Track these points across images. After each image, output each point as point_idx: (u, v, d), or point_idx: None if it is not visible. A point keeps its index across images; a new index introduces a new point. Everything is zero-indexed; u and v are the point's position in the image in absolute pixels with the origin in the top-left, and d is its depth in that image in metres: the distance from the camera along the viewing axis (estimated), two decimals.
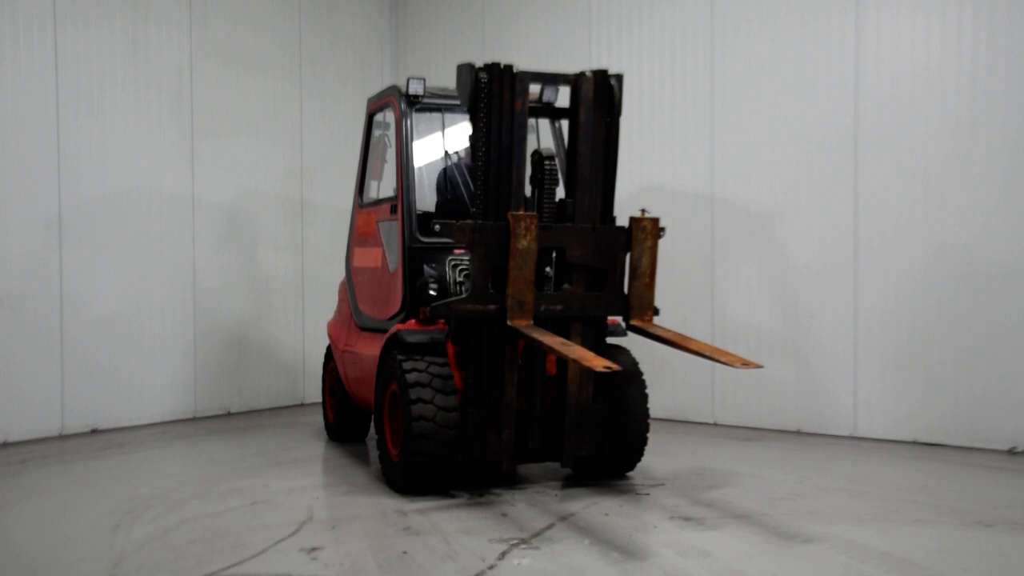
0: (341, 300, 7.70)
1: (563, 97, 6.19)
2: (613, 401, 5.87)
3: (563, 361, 5.53)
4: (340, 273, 10.19)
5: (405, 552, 4.61)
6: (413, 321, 5.89)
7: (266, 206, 9.65)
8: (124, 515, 5.34)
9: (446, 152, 6.61)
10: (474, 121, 5.43)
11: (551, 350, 4.98)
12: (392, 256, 6.35)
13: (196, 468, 6.76)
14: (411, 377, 5.48)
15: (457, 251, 6.13)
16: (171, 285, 8.81)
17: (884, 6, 7.39)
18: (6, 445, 7.54)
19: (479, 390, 5.51)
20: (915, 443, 7.21)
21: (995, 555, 4.52)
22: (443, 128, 6.58)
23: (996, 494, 5.67)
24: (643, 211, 5.64)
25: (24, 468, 6.72)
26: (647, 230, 5.59)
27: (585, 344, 5.56)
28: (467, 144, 6.47)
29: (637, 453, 6.04)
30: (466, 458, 5.56)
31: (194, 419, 8.89)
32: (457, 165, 6.63)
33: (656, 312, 5.71)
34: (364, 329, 6.95)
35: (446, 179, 6.64)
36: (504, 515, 5.28)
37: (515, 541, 4.76)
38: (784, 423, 7.95)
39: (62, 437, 7.91)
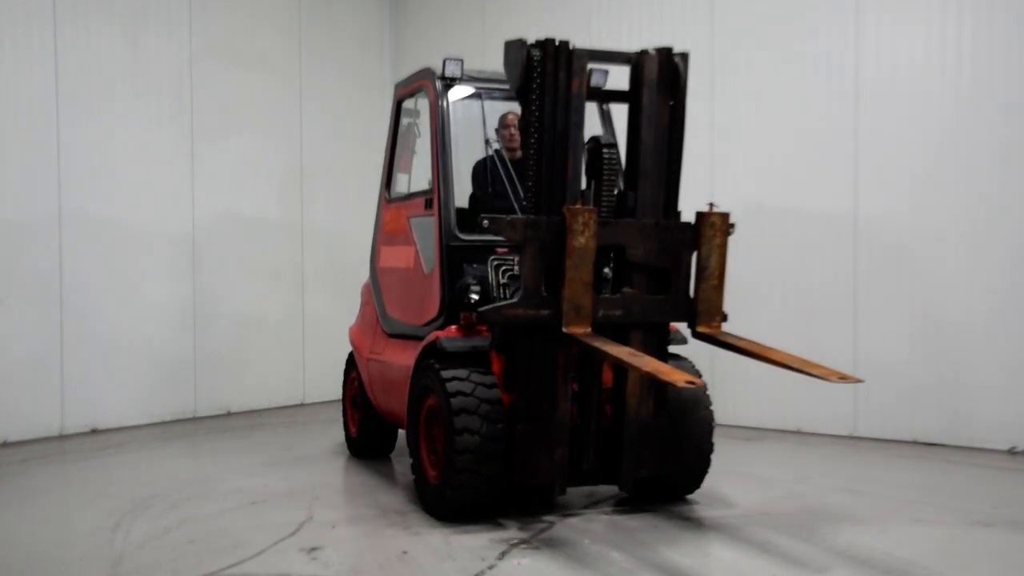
0: (365, 303, 7.10)
1: (612, 81, 5.85)
2: (675, 416, 5.29)
3: (621, 372, 5.03)
4: (341, 271, 10.19)
5: (405, 552, 4.61)
6: (453, 328, 5.34)
7: (266, 204, 9.64)
8: (124, 515, 5.34)
9: (486, 141, 6.10)
10: (525, 104, 4.88)
11: (619, 362, 4.47)
12: (427, 256, 5.79)
13: (196, 468, 6.76)
14: (453, 389, 4.93)
15: (499, 250, 5.59)
16: (171, 284, 8.80)
17: (884, 7, 7.40)
18: (6, 445, 7.54)
19: (529, 405, 4.93)
20: (915, 443, 7.21)
21: (995, 555, 4.52)
22: (483, 114, 6.06)
23: (996, 494, 5.67)
24: (711, 205, 5.11)
25: (24, 468, 6.72)
26: (716, 226, 5.03)
27: (647, 353, 4.88)
28: (505, 132, 6.17)
29: (700, 473, 5.48)
30: (514, 481, 4.97)
31: (194, 419, 8.89)
32: (499, 155, 6.14)
33: (724, 318, 5.13)
34: (393, 336, 6.39)
35: (486, 171, 6.14)
36: (504, 515, 5.27)
37: (515, 541, 4.75)
38: (784, 423, 7.95)
39: (62, 437, 7.91)
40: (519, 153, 6.04)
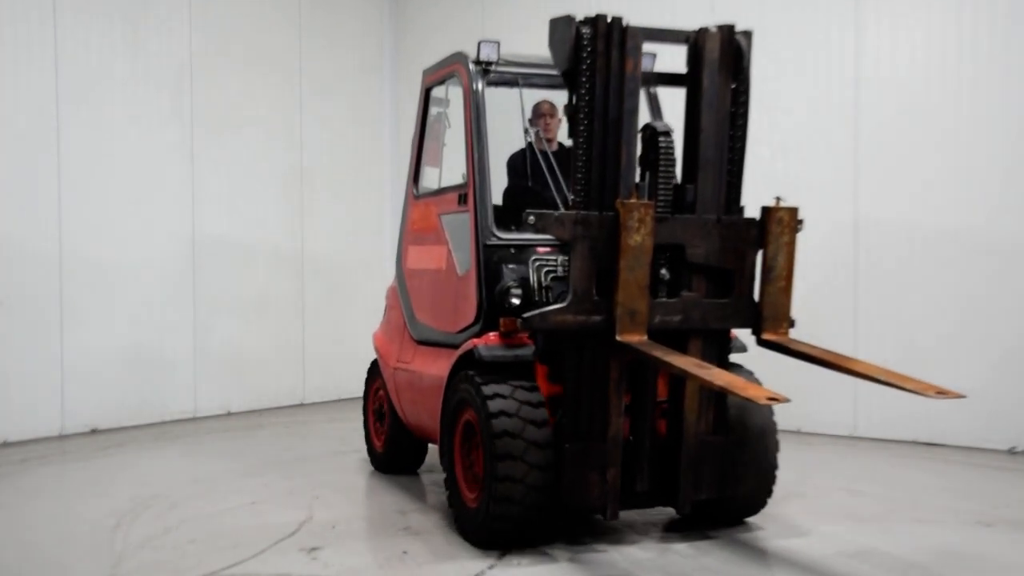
0: (390, 307, 6.55)
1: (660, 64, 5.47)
2: (736, 432, 4.81)
3: (677, 384, 4.61)
4: (342, 269, 10.20)
5: (405, 552, 4.61)
6: (492, 335, 4.85)
7: (267, 202, 9.63)
8: (124, 515, 5.34)
9: (525, 130, 5.66)
10: (573, 88, 4.46)
11: (685, 374, 4.05)
12: (462, 256, 5.32)
13: (196, 468, 6.76)
14: (494, 404, 4.46)
15: (541, 249, 5.11)
16: (171, 284, 8.80)
17: (883, 8, 7.40)
18: (6, 445, 7.53)
19: (578, 420, 4.48)
20: (915, 443, 7.21)
21: (995, 555, 4.52)
22: (521, 102, 5.65)
23: (996, 494, 5.67)
24: (777, 199, 4.64)
25: (24, 468, 6.72)
26: (784, 222, 4.58)
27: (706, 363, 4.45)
28: (540, 121, 5.75)
29: (764, 495, 5.00)
30: (562, 505, 4.53)
31: (194, 419, 8.89)
32: (534, 147, 5.70)
33: (792, 323, 4.68)
34: (422, 343, 5.92)
35: (524, 163, 5.72)
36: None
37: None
38: (784, 423, 7.90)
39: (62, 437, 7.91)
40: (555, 145, 5.80)
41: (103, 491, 5.97)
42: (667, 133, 4.59)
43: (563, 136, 5.62)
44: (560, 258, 4.98)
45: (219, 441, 7.85)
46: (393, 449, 6.43)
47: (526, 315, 4.36)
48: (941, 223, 7.11)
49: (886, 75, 7.38)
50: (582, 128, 4.42)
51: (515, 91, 5.67)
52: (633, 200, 4.34)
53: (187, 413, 8.92)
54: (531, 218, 4.30)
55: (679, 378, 4.50)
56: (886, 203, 7.38)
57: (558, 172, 5.42)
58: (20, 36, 7.76)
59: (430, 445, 6.19)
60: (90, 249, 8.16)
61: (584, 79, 4.40)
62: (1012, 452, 6.79)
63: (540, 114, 5.80)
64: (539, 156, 5.52)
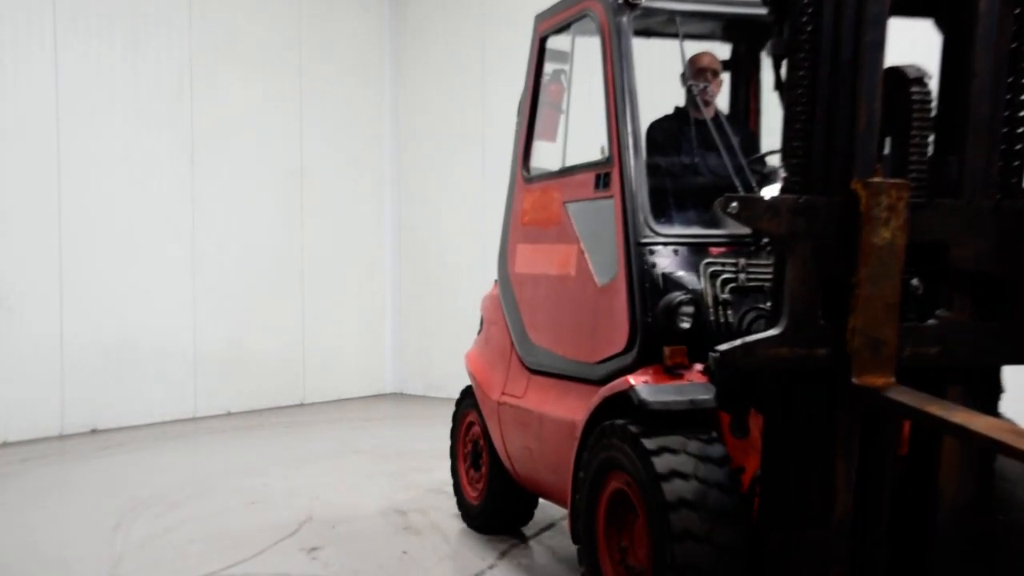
0: (490, 322, 5.10)
1: None
2: (1002, 510, 3.32)
3: (927, 441, 3.15)
4: (341, 268, 10.19)
5: (405, 552, 4.62)
6: (653, 370, 3.57)
7: (266, 203, 9.63)
8: (124, 515, 5.34)
9: (689, 89, 4.27)
10: (785, 21, 3.08)
11: (999, 447, 2.55)
12: (601, 258, 4.01)
13: (196, 468, 6.77)
14: (661, 462, 3.21)
15: (714, 250, 3.80)
16: (170, 284, 8.80)
17: None
18: (6, 445, 7.54)
19: (788, 498, 3.10)
20: None
21: None
22: (682, 54, 4.18)
23: None
24: None
25: (24, 468, 6.73)
26: None
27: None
28: (699, 79, 4.28)
29: None
30: None
31: (194, 419, 8.89)
32: (682, 112, 4.44)
33: None
34: (539, 372, 4.51)
35: (676, 133, 4.37)
36: None
37: (515, 541, 4.76)
38: None
39: (62, 437, 7.91)
40: (712, 111, 4.34)
41: (103, 491, 5.97)
42: (921, 79, 3.12)
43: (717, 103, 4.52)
44: (741, 262, 3.75)
45: (219, 441, 7.86)
46: (494, 503, 4.97)
47: (723, 347, 2.95)
48: None
49: None
50: (801, 74, 3.01)
51: (654, 40, 4.46)
52: (878, 179, 2.96)
53: (187, 413, 8.91)
54: (733, 205, 2.95)
55: (929, 433, 3.12)
56: None
57: (736, 145, 4.08)
58: (20, 39, 7.76)
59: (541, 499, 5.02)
60: (90, 248, 8.17)
61: (805, 3, 2.98)
62: None
63: (700, 69, 4.33)
64: (710, 125, 4.14)
